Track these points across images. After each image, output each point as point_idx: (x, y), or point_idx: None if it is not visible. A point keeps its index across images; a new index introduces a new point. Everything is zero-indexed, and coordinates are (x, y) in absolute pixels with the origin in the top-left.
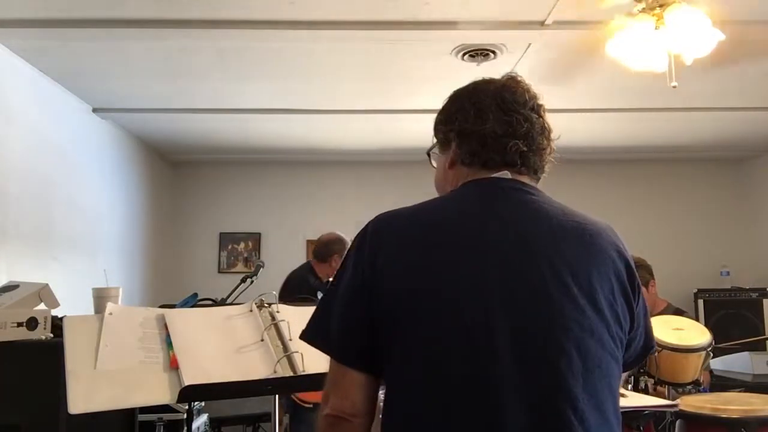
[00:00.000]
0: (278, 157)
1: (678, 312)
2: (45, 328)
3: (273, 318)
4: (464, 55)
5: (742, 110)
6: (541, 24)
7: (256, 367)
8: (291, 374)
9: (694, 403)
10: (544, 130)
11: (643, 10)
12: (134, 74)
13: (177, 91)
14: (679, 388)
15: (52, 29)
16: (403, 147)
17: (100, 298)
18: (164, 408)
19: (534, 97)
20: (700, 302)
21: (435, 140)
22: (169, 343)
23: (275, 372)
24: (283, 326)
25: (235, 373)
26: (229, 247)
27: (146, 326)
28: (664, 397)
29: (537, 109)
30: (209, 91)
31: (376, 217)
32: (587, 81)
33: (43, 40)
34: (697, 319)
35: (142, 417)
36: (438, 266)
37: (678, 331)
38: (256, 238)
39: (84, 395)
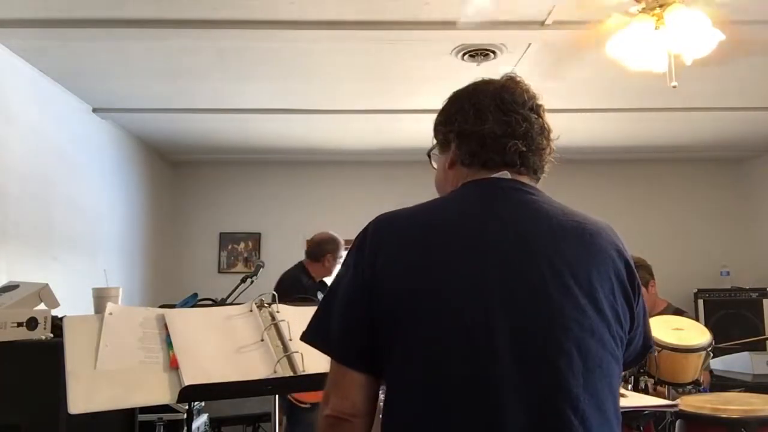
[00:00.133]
0: (278, 157)
1: (678, 312)
2: (45, 328)
3: (273, 318)
4: (464, 55)
5: (742, 110)
6: (541, 24)
7: (256, 367)
8: (291, 374)
9: (694, 403)
10: (544, 130)
11: (643, 10)
12: (134, 74)
13: (177, 91)
14: (679, 388)
15: (52, 29)
16: (403, 147)
17: (100, 298)
18: (164, 408)
19: (533, 98)
20: (700, 302)
21: (435, 141)
22: (169, 343)
23: (275, 372)
24: (283, 326)
25: (235, 373)
26: (229, 247)
27: (146, 326)
28: (664, 397)
29: (536, 110)
30: (209, 91)
31: (377, 217)
32: (587, 81)
33: (43, 40)
34: (697, 319)
35: (142, 417)
36: (438, 266)
37: (678, 331)
38: (256, 238)
39: (84, 395)
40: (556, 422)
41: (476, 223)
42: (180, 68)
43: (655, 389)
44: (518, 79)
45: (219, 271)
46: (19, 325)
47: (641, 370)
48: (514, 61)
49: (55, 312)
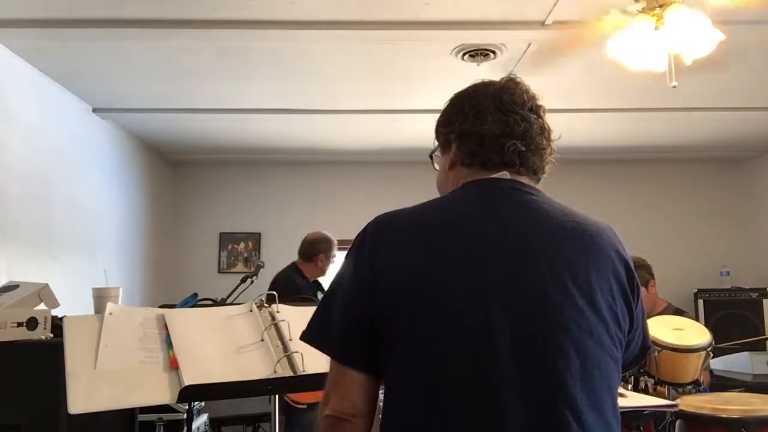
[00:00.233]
0: (278, 157)
1: (678, 312)
2: (45, 328)
3: (273, 318)
4: (464, 55)
5: (742, 110)
6: (541, 24)
7: (256, 367)
8: (291, 374)
9: (694, 403)
10: (544, 131)
11: (643, 10)
12: (134, 74)
13: (177, 91)
14: (679, 388)
15: (52, 29)
16: (403, 147)
17: (100, 298)
18: (164, 408)
19: (533, 98)
20: (700, 302)
21: (436, 143)
22: (169, 343)
23: (275, 372)
24: (283, 326)
25: (235, 373)
26: (229, 247)
27: (146, 326)
28: (664, 397)
29: (536, 110)
30: (209, 91)
31: (376, 217)
32: (587, 81)
33: (43, 40)
34: (697, 319)
35: (142, 417)
36: (438, 267)
37: (678, 331)
38: (256, 238)
39: (84, 395)
40: (554, 422)
41: (476, 223)
42: (180, 68)
43: (655, 389)
44: (518, 80)
45: (219, 271)
46: (19, 325)
47: (641, 370)
48: (514, 61)
49: (55, 312)
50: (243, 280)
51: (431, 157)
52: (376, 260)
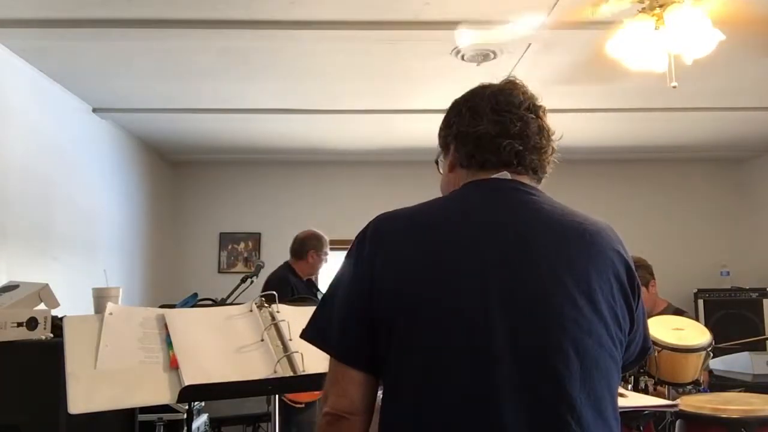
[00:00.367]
0: (278, 157)
1: (678, 312)
2: (45, 328)
3: (273, 318)
4: (464, 55)
5: (742, 110)
6: (541, 24)
7: (256, 367)
8: (291, 374)
9: (694, 403)
10: (542, 130)
11: (643, 10)
12: (134, 74)
13: (177, 91)
14: (679, 388)
15: (52, 29)
16: (403, 147)
17: (100, 298)
18: (164, 408)
19: (531, 98)
20: (700, 302)
21: (440, 147)
22: (169, 343)
23: (275, 372)
24: (283, 326)
25: (235, 373)
26: (229, 247)
27: (146, 326)
28: (664, 397)
29: (534, 110)
30: (209, 91)
31: (377, 217)
32: (587, 81)
33: (43, 40)
34: (697, 319)
35: (142, 417)
36: (437, 266)
37: (678, 331)
38: (256, 238)
39: (84, 395)
40: (553, 422)
41: (476, 223)
42: (180, 68)
43: (655, 389)
44: (517, 81)
45: (219, 271)
46: (19, 325)
47: (641, 370)
48: (514, 61)
49: (55, 312)
50: (243, 280)
51: (437, 162)
52: (376, 260)
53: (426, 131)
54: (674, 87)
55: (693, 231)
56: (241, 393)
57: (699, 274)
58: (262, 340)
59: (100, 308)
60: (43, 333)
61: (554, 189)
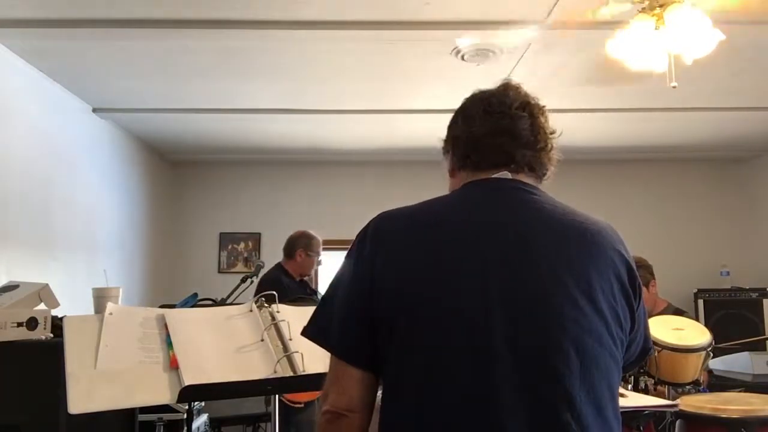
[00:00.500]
0: (278, 157)
1: (678, 312)
2: (45, 328)
3: (273, 318)
4: (464, 55)
5: (742, 110)
6: (541, 24)
7: (256, 367)
8: (291, 374)
9: (694, 403)
10: (538, 129)
11: (643, 10)
12: (134, 74)
13: (177, 91)
14: (679, 388)
15: (52, 29)
16: (404, 147)
17: (100, 298)
18: (164, 408)
19: (524, 97)
20: (700, 302)
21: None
22: (169, 343)
23: (275, 372)
24: (283, 326)
25: (235, 373)
26: (229, 247)
27: (146, 326)
28: (664, 397)
29: (528, 108)
30: (210, 91)
31: (377, 216)
32: (587, 81)
33: (43, 40)
34: (697, 319)
35: (142, 417)
36: (438, 266)
37: (678, 331)
38: (256, 238)
39: (84, 395)
40: (554, 422)
41: (477, 222)
42: (180, 68)
43: (655, 389)
44: (511, 83)
45: (219, 271)
46: (19, 325)
47: (641, 370)
48: (514, 61)
49: (55, 312)
50: (243, 280)
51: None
52: (377, 259)
53: (426, 131)
54: (674, 87)
55: (693, 231)
56: (241, 393)
57: (699, 274)
58: (262, 340)
59: (100, 308)
60: (43, 333)
61: (554, 189)
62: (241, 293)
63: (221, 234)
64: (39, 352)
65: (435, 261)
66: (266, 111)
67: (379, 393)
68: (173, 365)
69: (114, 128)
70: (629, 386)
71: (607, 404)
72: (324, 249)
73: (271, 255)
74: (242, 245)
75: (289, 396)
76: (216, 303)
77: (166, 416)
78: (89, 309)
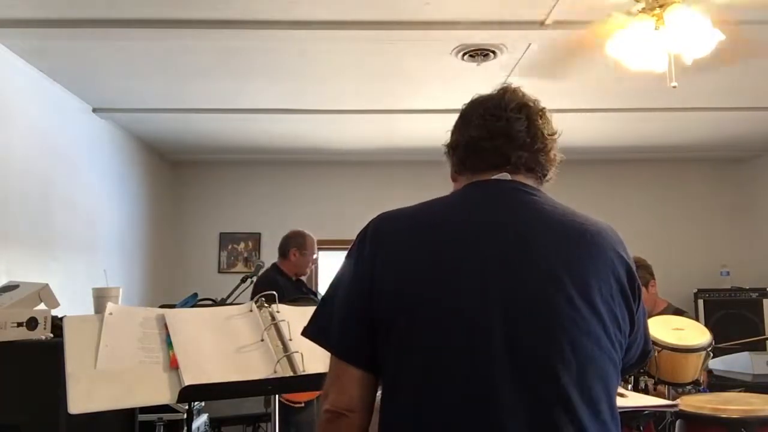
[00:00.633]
0: (278, 157)
1: (678, 312)
2: (45, 328)
3: (273, 318)
4: (464, 55)
5: (742, 110)
6: (541, 24)
7: (256, 367)
8: (291, 374)
9: (694, 403)
10: (535, 130)
11: (643, 10)
12: (134, 74)
13: (177, 91)
14: (679, 388)
15: (52, 29)
16: (404, 147)
17: (100, 298)
18: (164, 408)
19: (520, 99)
20: (700, 302)
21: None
22: (169, 343)
23: (275, 372)
24: (283, 326)
25: (235, 373)
26: (229, 247)
27: (146, 326)
28: (664, 397)
29: (525, 110)
30: (209, 91)
31: (378, 216)
32: (587, 81)
33: (43, 40)
34: (697, 319)
35: (142, 417)
36: (437, 267)
37: (678, 331)
38: (256, 238)
39: (84, 395)
40: (552, 422)
41: (476, 223)
42: (180, 68)
43: (655, 389)
44: (509, 87)
45: (219, 271)
46: (19, 325)
47: (641, 370)
48: (514, 61)
49: (55, 312)
50: (243, 280)
51: None
52: (377, 260)
53: (426, 131)
54: (674, 87)
55: (693, 231)
56: (241, 393)
57: (699, 274)
58: (262, 340)
59: (100, 308)
60: (43, 333)
61: (554, 189)
62: (241, 293)
63: (221, 234)
64: (39, 352)
65: (435, 261)
66: (266, 111)
67: (379, 393)
68: (173, 365)
69: (114, 128)
70: (629, 386)
71: (605, 406)
72: (324, 249)
73: (271, 255)
74: (242, 245)
75: (288, 396)
76: (216, 303)
77: (166, 416)
78: (89, 309)
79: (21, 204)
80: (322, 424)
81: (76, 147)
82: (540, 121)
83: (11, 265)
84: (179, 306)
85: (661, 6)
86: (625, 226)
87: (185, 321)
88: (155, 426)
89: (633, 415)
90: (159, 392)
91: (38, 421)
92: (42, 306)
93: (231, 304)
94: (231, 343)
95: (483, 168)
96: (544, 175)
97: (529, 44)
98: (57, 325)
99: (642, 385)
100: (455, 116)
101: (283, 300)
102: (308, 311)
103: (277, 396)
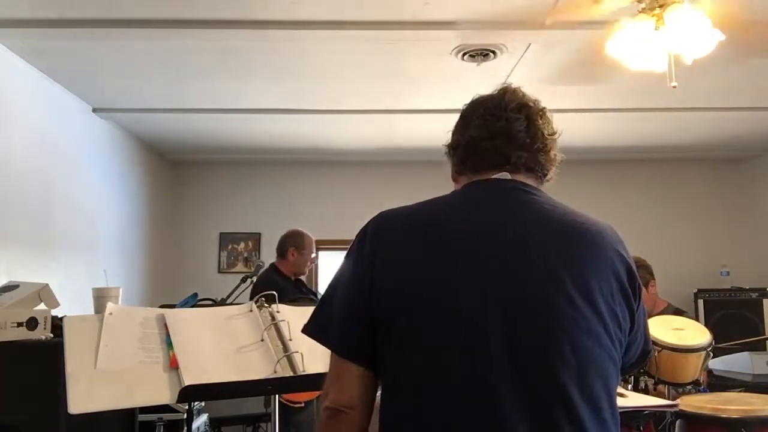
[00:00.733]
0: (278, 157)
1: (678, 312)
2: (45, 328)
3: (273, 318)
4: (464, 55)
5: (742, 110)
6: (541, 24)
7: (256, 367)
8: (291, 374)
9: (694, 403)
10: (535, 130)
11: (643, 10)
12: (134, 74)
13: (177, 91)
14: (679, 388)
15: (52, 29)
16: (403, 147)
17: (100, 298)
18: (164, 408)
19: (520, 99)
20: (700, 302)
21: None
22: (169, 343)
23: (275, 372)
24: (283, 326)
25: (235, 373)
26: (229, 247)
27: (146, 326)
28: (664, 397)
29: (525, 110)
30: (210, 91)
31: (377, 215)
32: (587, 81)
33: (43, 40)
34: (697, 319)
35: (142, 417)
36: (437, 266)
37: (678, 331)
38: (256, 238)
39: (84, 395)
40: (552, 422)
41: (476, 222)
42: (180, 68)
43: (655, 389)
44: (509, 87)
45: (219, 271)
46: (19, 325)
47: (641, 370)
48: (514, 61)
49: (55, 312)
50: (243, 280)
51: None
52: (376, 259)
53: (426, 131)
54: (674, 87)
55: (693, 231)
56: (241, 393)
57: (699, 274)
58: (262, 340)
59: (100, 308)
60: (43, 333)
61: (554, 189)
62: (241, 293)
63: (221, 234)
64: (39, 352)
65: (434, 261)
66: (266, 111)
67: (379, 392)
68: (173, 365)
69: (114, 128)
70: (629, 386)
71: (605, 405)
72: (324, 249)
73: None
74: (242, 245)
75: (288, 396)
76: (216, 303)
77: (166, 416)
78: (89, 309)
79: (21, 204)
80: (323, 421)
81: (76, 147)
82: (540, 121)
83: (11, 265)
84: (179, 306)
85: (661, 6)
86: (625, 226)
87: (185, 321)
88: (155, 426)
89: (633, 415)
90: (159, 392)
91: (38, 421)
92: (42, 306)
93: (231, 304)
94: (231, 343)
95: (483, 168)
96: (545, 175)
97: (529, 44)
98: (57, 325)
99: (642, 385)
100: (455, 116)
101: (283, 300)
102: (308, 311)
103: (277, 396)
